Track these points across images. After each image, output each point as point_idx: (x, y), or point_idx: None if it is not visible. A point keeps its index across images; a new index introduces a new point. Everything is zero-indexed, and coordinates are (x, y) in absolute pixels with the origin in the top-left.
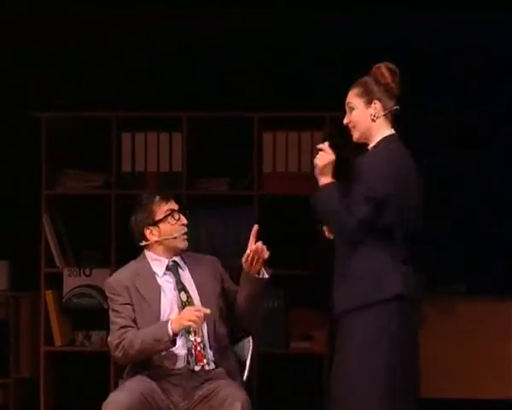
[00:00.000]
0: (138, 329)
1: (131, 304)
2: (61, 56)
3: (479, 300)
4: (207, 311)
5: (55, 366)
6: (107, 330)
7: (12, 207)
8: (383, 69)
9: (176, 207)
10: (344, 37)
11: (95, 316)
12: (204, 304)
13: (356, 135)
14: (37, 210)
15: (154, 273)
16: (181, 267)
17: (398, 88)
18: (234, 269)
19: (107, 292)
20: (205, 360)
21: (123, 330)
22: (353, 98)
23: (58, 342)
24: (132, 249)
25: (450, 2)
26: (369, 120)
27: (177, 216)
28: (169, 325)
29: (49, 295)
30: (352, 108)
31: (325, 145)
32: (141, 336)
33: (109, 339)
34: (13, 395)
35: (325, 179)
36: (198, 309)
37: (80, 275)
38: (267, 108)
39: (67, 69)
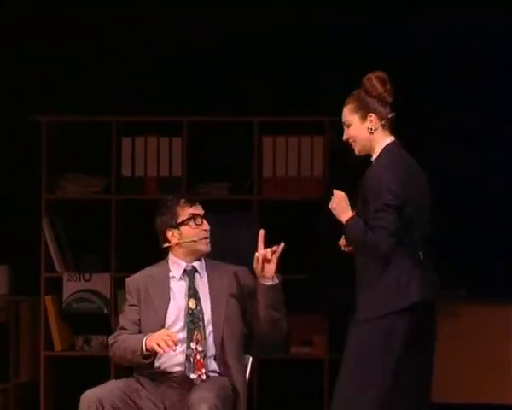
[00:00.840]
0: (140, 330)
1: (138, 306)
2: (61, 60)
3: (479, 304)
4: (175, 338)
5: (54, 371)
6: (107, 334)
7: (12, 211)
8: (373, 80)
9: (201, 212)
10: (344, 37)
11: (94, 321)
12: (213, 313)
13: (357, 149)
14: (36, 214)
15: (168, 278)
16: (199, 273)
17: (390, 95)
18: None
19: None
20: (203, 370)
21: (120, 331)
22: (348, 115)
23: (58, 346)
24: (133, 254)
25: (450, 2)
26: (367, 133)
27: (199, 221)
28: (144, 340)
29: (48, 300)
30: (349, 125)
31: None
32: (125, 343)
33: (109, 338)
34: (13, 400)
35: (346, 216)
36: (169, 335)
37: (80, 280)
38: (267, 112)
39: (67, 73)
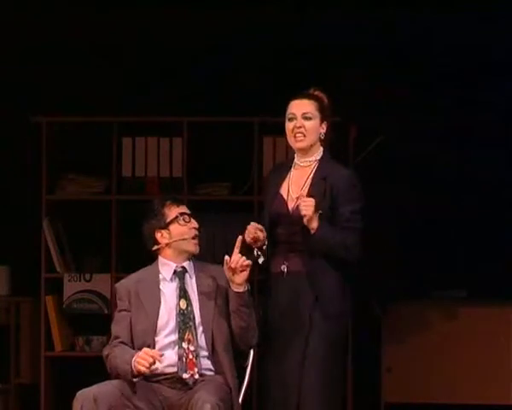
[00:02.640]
0: (132, 335)
1: (129, 311)
2: (61, 60)
3: (479, 305)
4: (156, 356)
5: (55, 371)
6: (108, 335)
7: (12, 212)
8: (325, 98)
9: (187, 211)
10: (343, 37)
11: (95, 321)
12: (202, 313)
13: (305, 143)
14: (37, 215)
15: (158, 281)
16: (189, 274)
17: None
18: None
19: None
20: (195, 369)
21: (114, 343)
22: (313, 110)
23: (58, 347)
24: (133, 254)
25: (448, 3)
26: (317, 136)
27: (187, 219)
28: (132, 363)
29: (49, 301)
30: (309, 118)
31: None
32: (117, 361)
33: (104, 349)
34: (13, 401)
35: (315, 223)
36: (151, 355)
37: (80, 280)
38: (267, 112)
39: (68, 73)
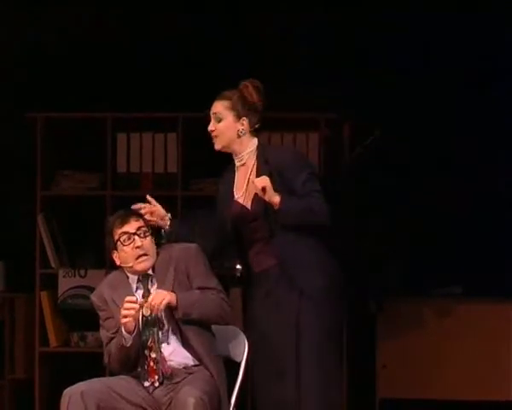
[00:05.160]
0: None
1: (113, 317)
2: (56, 56)
3: (476, 301)
4: (132, 299)
5: (50, 367)
6: None
7: (7, 208)
8: (250, 88)
9: (132, 228)
10: (341, 37)
11: (90, 317)
12: (165, 309)
13: (219, 144)
14: (32, 211)
15: (129, 285)
16: (151, 278)
17: (262, 105)
18: (228, 270)
19: (94, 307)
20: (156, 377)
21: (108, 348)
22: (222, 110)
23: (53, 342)
24: None
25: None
26: (235, 134)
27: (127, 241)
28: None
29: (44, 296)
30: (219, 119)
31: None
32: (113, 350)
33: (104, 358)
34: (8, 396)
35: (277, 197)
36: (127, 301)
37: (75, 276)
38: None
39: (62, 69)
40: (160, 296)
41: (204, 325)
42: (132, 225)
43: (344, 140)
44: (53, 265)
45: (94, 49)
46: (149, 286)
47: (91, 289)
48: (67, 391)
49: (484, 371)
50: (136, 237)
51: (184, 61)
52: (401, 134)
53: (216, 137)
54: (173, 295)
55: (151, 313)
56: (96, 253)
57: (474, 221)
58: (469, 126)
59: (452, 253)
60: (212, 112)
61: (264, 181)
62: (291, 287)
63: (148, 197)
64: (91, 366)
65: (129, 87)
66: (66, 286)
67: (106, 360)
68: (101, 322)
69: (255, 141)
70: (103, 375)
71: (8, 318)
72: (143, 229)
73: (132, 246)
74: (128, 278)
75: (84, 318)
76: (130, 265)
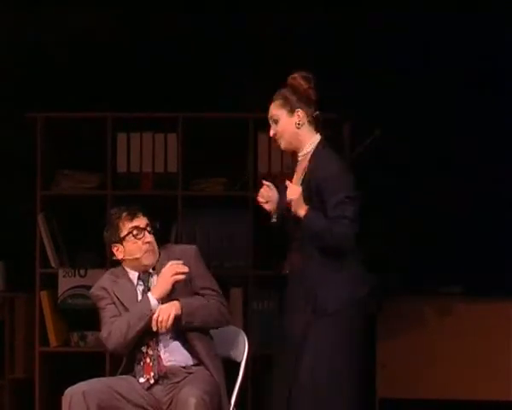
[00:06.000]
0: None
1: (114, 303)
2: (55, 55)
3: (477, 301)
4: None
5: (50, 367)
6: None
7: (7, 208)
8: (298, 78)
9: (142, 223)
10: (341, 37)
11: (90, 316)
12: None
13: (283, 144)
14: (32, 210)
15: (131, 280)
16: (154, 273)
17: (315, 94)
18: (228, 269)
19: (94, 301)
20: (151, 373)
21: (112, 320)
22: (276, 110)
23: (53, 342)
24: None
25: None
26: (294, 127)
27: (139, 235)
28: (149, 296)
29: (44, 296)
30: (276, 121)
31: (288, 182)
32: (126, 318)
33: (100, 334)
34: (8, 396)
35: (303, 209)
36: (176, 264)
37: (75, 276)
38: (262, 108)
39: (62, 68)
40: (166, 312)
41: (203, 330)
42: (142, 221)
43: (344, 140)
44: (53, 265)
45: (94, 49)
46: (150, 284)
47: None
48: (69, 391)
49: (484, 371)
50: (147, 233)
51: (184, 61)
52: (401, 134)
53: (279, 138)
54: (177, 305)
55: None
56: (95, 253)
57: (474, 221)
58: (469, 126)
59: (452, 253)
60: (269, 117)
61: (293, 193)
62: (306, 299)
63: (265, 182)
64: (91, 365)
65: (129, 87)
66: (66, 286)
67: (104, 334)
68: (102, 309)
69: (316, 138)
70: (103, 375)
71: (8, 318)
72: (150, 225)
73: (143, 241)
74: (128, 273)
75: (84, 318)
76: (138, 256)
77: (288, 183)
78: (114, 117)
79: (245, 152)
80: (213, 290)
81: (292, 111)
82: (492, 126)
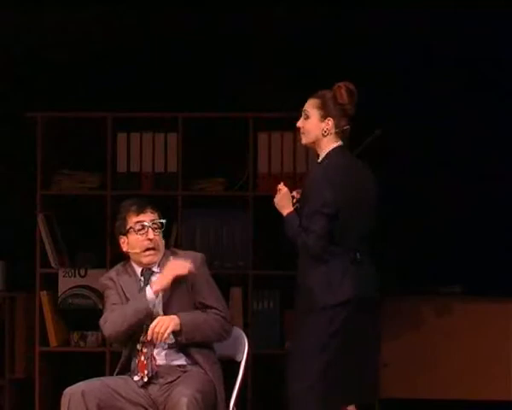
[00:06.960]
0: None
1: (118, 294)
2: (56, 56)
3: (476, 300)
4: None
5: (50, 367)
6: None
7: (7, 207)
8: (343, 90)
9: (147, 219)
10: (341, 37)
11: (90, 316)
12: (166, 312)
13: (304, 140)
14: (32, 210)
15: (136, 274)
16: (154, 273)
17: (352, 109)
18: (228, 269)
19: (101, 290)
20: (145, 371)
21: (112, 308)
22: (311, 108)
23: (53, 342)
24: None
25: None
26: (320, 133)
27: (142, 231)
28: (147, 289)
29: (44, 296)
30: (307, 116)
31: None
32: (123, 310)
33: (100, 320)
34: (8, 396)
35: (286, 211)
36: (179, 261)
37: (75, 276)
38: (262, 108)
39: (63, 69)
40: (164, 325)
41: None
42: (148, 216)
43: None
44: (53, 264)
45: (94, 49)
46: (151, 282)
47: (91, 289)
48: (68, 391)
49: (484, 371)
50: (150, 230)
51: (184, 61)
52: (401, 134)
53: (303, 134)
54: (176, 320)
55: (151, 340)
56: (96, 253)
57: (473, 221)
58: (469, 126)
59: (452, 253)
60: (302, 109)
61: (279, 197)
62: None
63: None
64: (91, 365)
65: (129, 87)
66: (66, 286)
67: (102, 321)
68: (106, 295)
69: (337, 144)
70: (103, 375)
71: (8, 317)
72: (157, 222)
73: (144, 237)
74: (134, 268)
75: (84, 317)
76: (137, 251)
77: (279, 186)
78: (114, 117)
79: (245, 152)
80: (216, 308)
81: (324, 117)
82: (492, 126)
